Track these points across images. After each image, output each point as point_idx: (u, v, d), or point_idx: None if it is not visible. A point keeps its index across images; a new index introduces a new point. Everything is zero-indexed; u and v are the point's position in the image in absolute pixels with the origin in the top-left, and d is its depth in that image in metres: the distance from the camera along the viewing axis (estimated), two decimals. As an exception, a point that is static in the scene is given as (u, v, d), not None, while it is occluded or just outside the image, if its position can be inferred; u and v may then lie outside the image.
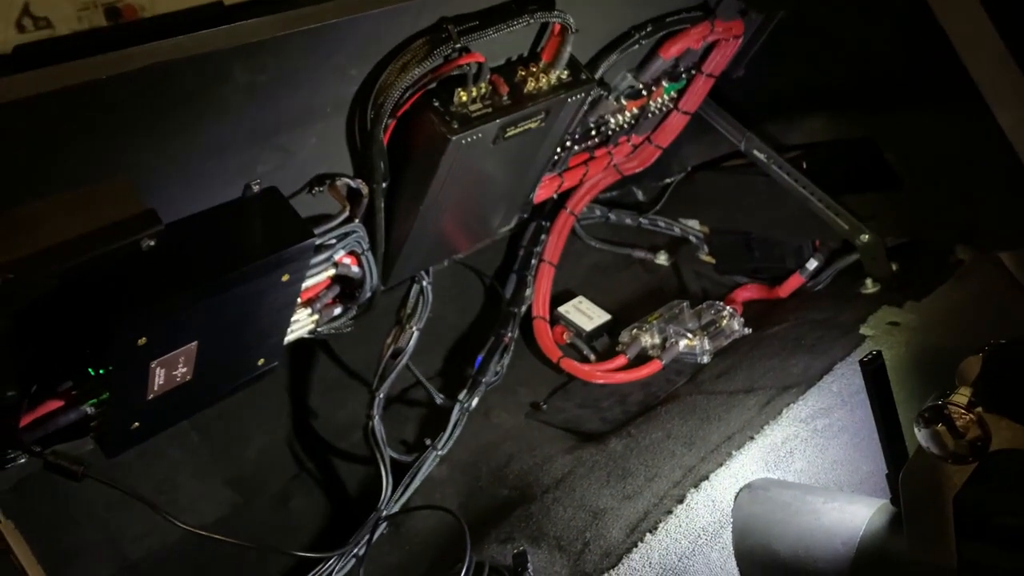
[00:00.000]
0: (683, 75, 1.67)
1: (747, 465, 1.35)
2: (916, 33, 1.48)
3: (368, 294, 1.31)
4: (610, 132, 1.65)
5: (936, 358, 1.48)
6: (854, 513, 1.19)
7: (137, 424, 1.06)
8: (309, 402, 1.67)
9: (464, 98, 1.13)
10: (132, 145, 0.90)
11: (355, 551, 1.36)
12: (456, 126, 1.12)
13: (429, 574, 1.39)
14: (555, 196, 1.77)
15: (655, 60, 1.52)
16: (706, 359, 1.73)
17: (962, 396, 0.95)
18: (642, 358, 1.75)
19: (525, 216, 1.56)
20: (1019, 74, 1.36)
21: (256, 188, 1.05)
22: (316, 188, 1.15)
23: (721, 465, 1.34)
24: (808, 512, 1.23)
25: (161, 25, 0.88)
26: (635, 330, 1.78)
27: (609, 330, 1.86)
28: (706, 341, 1.74)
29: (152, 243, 0.85)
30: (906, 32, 1.51)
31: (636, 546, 1.23)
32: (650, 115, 1.72)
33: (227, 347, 1.07)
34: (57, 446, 1.02)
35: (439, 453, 1.54)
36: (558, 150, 1.53)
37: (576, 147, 1.61)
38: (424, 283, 1.49)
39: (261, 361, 1.16)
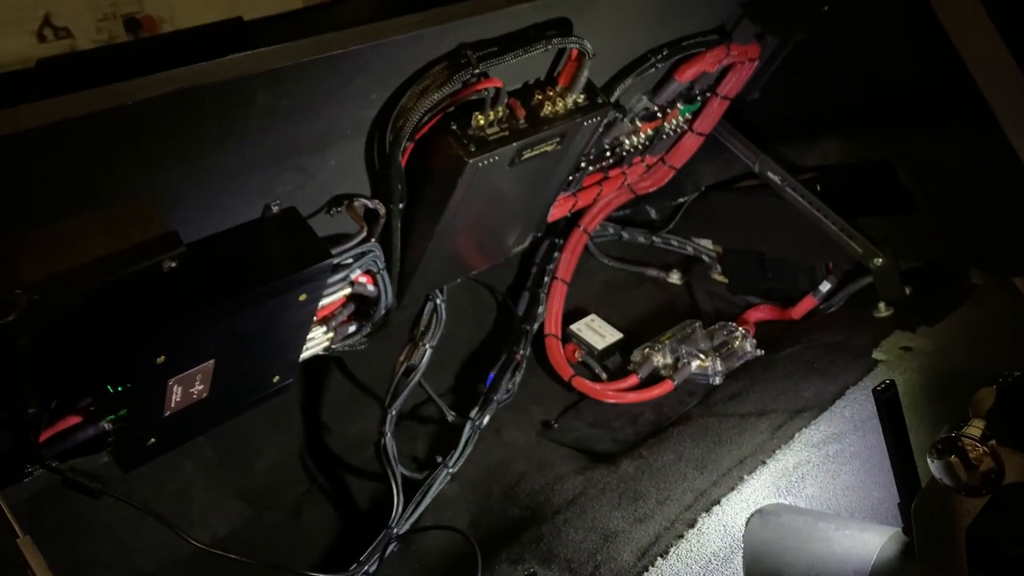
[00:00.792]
0: (698, 97, 1.67)
1: (759, 490, 1.34)
2: (931, 57, 1.48)
3: (383, 312, 1.32)
4: (624, 153, 1.66)
5: (949, 384, 1.48)
6: (866, 541, 1.18)
7: (153, 440, 1.07)
8: (322, 418, 1.68)
9: (482, 121, 1.14)
10: (155, 167, 0.92)
11: (366, 568, 1.36)
12: (473, 149, 1.13)
13: (439, 593, 1.40)
14: (569, 214, 1.78)
15: (670, 83, 1.53)
16: (718, 380, 1.73)
17: (976, 428, 0.95)
18: (654, 378, 1.75)
19: (539, 235, 1.57)
20: (1034, 100, 1.36)
21: (275, 208, 1.07)
22: (334, 208, 1.16)
23: (733, 489, 1.34)
24: (820, 539, 1.22)
25: (182, 40, 0.90)
26: (647, 349, 1.78)
27: (621, 349, 1.86)
28: (718, 362, 1.74)
29: (173, 264, 0.87)
30: (921, 56, 1.51)
31: (647, 570, 1.23)
32: (664, 136, 1.73)
33: (243, 365, 1.09)
34: (73, 460, 1.03)
35: (450, 471, 1.55)
36: (573, 171, 1.54)
37: (591, 167, 1.62)
38: (438, 301, 1.50)
39: (276, 378, 1.17)
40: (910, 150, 1.66)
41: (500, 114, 1.16)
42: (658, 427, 1.63)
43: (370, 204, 1.18)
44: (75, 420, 1.01)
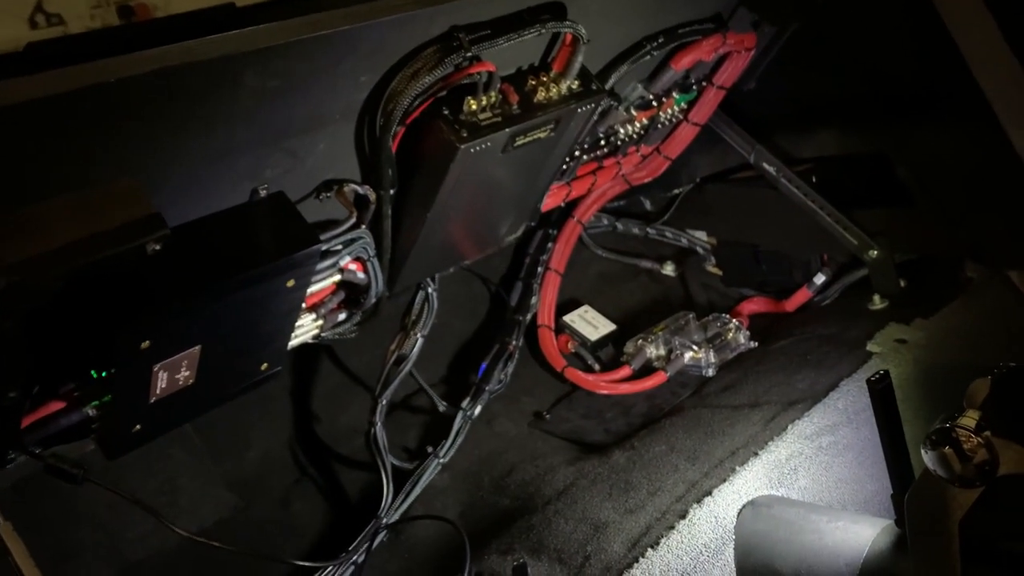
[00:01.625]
0: (694, 86, 1.66)
1: (751, 481, 1.34)
2: (929, 49, 1.47)
3: (373, 300, 1.31)
4: (619, 142, 1.65)
5: (943, 377, 1.47)
6: (858, 533, 1.17)
7: (139, 426, 1.05)
8: (311, 407, 1.67)
9: (474, 106, 1.12)
10: (140, 147, 0.90)
11: (354, 559, 1.35)
12: (465, 134, 1.12)
13: (428, 583, 1.39)
14: (563, 204, 1.77)
15: (666, 71, 1.52)
16: (711, 372, 1.72)
17: (970, 419, 0.93)
18: (647, 369, 1.74)
19: (533, 224, 1.56)
20: (1033, 92, 1.35)
21: (263, 192, 1.05)
22: (324, 193, 1.15)
23: (724, 481, 1.33)
24: (812, 531, 1.21)
25: (173, 25, 0.88)
26: (640, 341, 1.77)
27: (614, 340, 1.85)
28: (711, 354, 1.73)
29: (158, 247, 0.85)
30: (919, 48, 1.50)
31: (637, 561, 1.22)
32: (660, 126, 1.71)
33: (230, 351, 1.07)
34: (58, 447, 1.02)
35: (441, 461, 1.54)
36: (567, 159, 1.53)
37: (585, 156, 1.61)
38: (430, 290, 1.49)
39: (264, 366, 1.15)
40: (907, 142, 1.65)
41: (493, 99, 1.14)
42: (650, 418, 1.62)
43: (360, 190, 1.16)
44: (58, 406, 0.99)
